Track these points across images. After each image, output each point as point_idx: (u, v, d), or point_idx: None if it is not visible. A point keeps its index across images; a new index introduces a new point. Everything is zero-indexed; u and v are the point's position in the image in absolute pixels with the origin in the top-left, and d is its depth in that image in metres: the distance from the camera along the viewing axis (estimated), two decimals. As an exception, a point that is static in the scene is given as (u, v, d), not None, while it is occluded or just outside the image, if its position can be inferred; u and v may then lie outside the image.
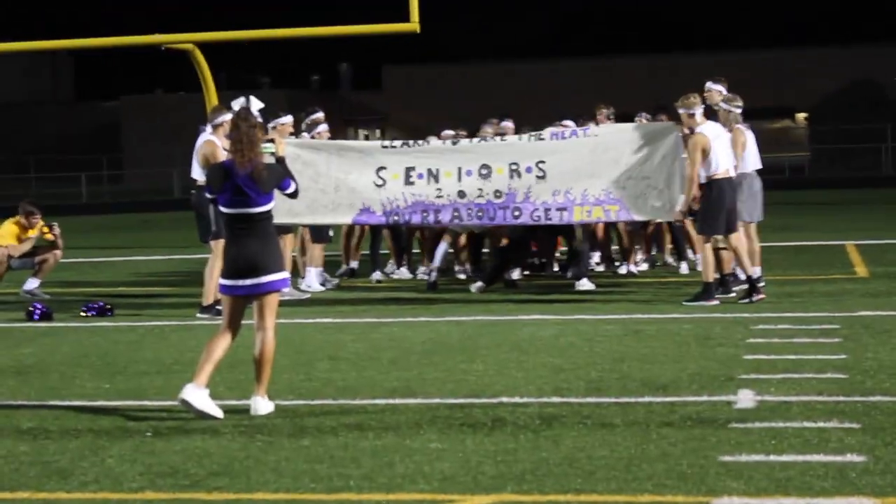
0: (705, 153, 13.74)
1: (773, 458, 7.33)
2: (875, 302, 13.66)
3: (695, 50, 79.76)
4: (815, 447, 7.54)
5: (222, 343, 9.04)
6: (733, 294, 14.26)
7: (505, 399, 9.21)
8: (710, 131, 13.85)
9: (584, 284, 15.52)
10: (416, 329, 12.91)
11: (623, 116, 17.42)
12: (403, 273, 17.96)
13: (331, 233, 17.23)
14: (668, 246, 17.96)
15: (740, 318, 12.76)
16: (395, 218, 15.03)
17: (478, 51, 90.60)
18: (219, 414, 8.82)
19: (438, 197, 14.79)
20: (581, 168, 14.57)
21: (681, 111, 14.02)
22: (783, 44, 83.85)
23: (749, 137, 14.59)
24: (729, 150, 14.04)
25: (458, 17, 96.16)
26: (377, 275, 17.45)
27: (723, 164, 13.86)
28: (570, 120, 16.93)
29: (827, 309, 13.23)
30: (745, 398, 8.91)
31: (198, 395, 8.82)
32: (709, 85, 14.92)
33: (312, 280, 16.54)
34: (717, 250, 14.18)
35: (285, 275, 9.13)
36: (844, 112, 57.60)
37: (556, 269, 17.47)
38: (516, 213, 14.68)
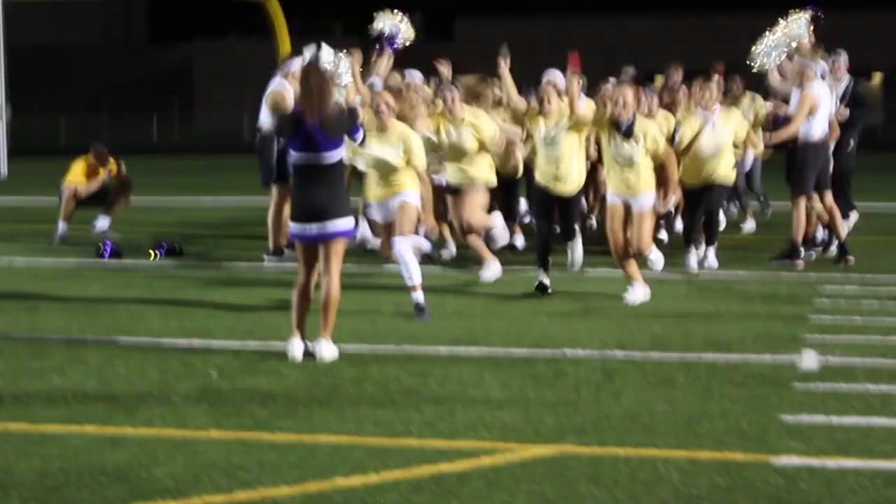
0: (812, 111, 13.56)
1: (834, 419, 7.32)
2: (945, 268, 13.54)
3: (769, 8, 78.84)
4: (878, 410, 7.52)
5: (304, 289, 9.23)
6: (801, 259, 14.07)
7: (568, 351, 9.24)
8: (821, 92, 13.68)
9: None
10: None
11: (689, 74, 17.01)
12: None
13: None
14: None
15: (807, 279, 12.69)
16: None
17: (551, 5, 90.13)
18: (298, 357, 9.03)
19: None
20: None
21: (804, 61, 13.73)
22: (858, 6, 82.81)
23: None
24: (827, 112, 13.89)
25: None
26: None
27: (821, 126, 13.71)
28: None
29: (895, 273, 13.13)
30: (809, 359, 8.87)
31: (298, 347, 9.13)
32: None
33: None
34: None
35: (351, 222, 9.19)
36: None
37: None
38: None
